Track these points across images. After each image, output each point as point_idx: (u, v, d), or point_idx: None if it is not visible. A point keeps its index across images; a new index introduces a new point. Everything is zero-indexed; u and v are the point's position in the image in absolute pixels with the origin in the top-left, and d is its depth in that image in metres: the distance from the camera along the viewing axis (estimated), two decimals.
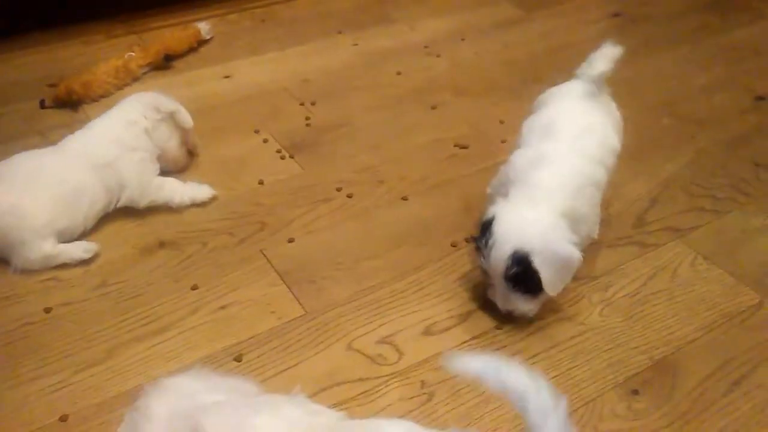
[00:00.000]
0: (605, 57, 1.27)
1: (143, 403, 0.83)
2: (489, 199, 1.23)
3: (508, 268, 1.09)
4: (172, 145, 1.44)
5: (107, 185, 1.32)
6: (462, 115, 1.72)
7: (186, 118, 1.44)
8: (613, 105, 1.33)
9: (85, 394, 1.04)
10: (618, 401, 1.05)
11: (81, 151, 1.33)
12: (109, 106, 1.66)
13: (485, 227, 1.12)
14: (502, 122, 1.68)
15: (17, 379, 1.06)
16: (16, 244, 1.22)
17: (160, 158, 1.43)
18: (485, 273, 1.15)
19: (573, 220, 1.13)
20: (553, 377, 1.08)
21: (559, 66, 1.91)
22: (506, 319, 1.17)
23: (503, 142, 1.61)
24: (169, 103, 1.43)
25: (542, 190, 1.14)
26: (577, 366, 1.10)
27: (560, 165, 1.17)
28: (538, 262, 1.07)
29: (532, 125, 1.28)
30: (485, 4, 2.25)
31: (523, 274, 1.08)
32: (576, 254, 1.09)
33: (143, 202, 1.37)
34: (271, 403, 0.81)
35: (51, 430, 0.99)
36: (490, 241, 1.10)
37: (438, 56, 1.97)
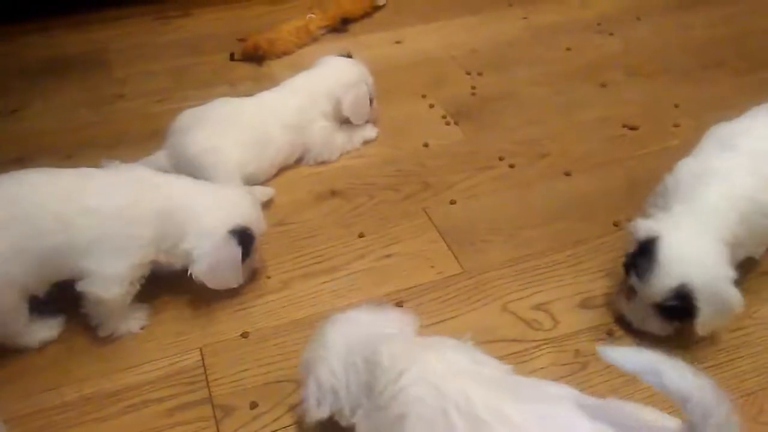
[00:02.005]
0: None
1: (322, 332, 0.91)
2: (645, 214, 1.15)
3: (666, 299, 1.02)
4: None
5: (293, 143, 1.44)
6: (634, 96, 1.68)
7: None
8: None
9: (263, 317, 1.16)
10: None
11: (275, 108, 1.43)
12: (290, 63, 1.79)
13: (646, 247, 1.04)
14: (677, 106, 1.63)
15: (208, 296, 1.18)
16: (210, 181, 1.35)
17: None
18: (631, 290, 1.08)
19: (733, 246, 1.05)
20: (713, 365, 1.06)
21: (745, 53, 1.82)
22: None
23: (676, 126, 1.56)
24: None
25: (709, 211, 1.05)
26: (740, 357, 1.07)
27: (731, 184, 1.07)
28: (701, 301, 1.00)
29: (716, 134, 1.18)
30: None
31: (680, 308, 1.02)
32: (739, 299, 1.01)
33: (333, 158, 1.49)
34: (441, 344, 0.86)
35: (235, 342, 1.11)
36: (652, 266, 1.02)
37: (611, 34, 1.93)
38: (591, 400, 0.77)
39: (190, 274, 1.11)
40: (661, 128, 1.56)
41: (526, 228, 1.33)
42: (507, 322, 1.14)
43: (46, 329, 1.11)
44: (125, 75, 1.77)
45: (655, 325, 1.08)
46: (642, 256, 1.04)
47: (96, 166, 1.38)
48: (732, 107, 1.62)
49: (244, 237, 1.12)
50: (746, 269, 1.18)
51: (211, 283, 1.12)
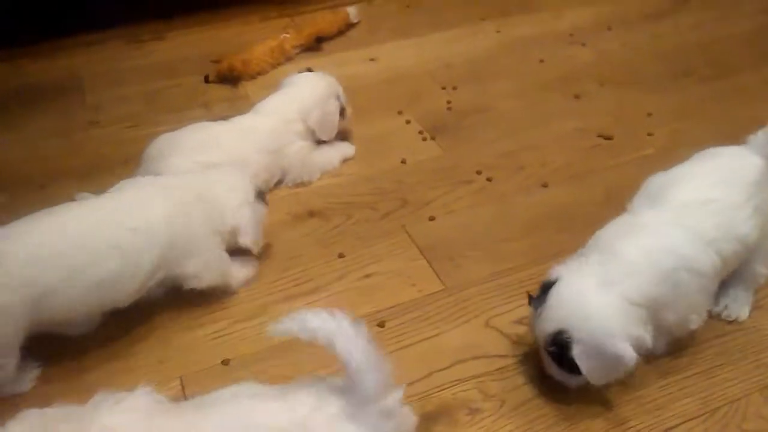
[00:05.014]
0: None
1: None
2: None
3: (547, 344, 0.99)
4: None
5: (270, 167, 1.43)
6: (607, 106, 1.69)
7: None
8: None
9: (243, 343, 1.14)
10: (764, 403, 1.02)
11: (250, 133, 1.42)
12: (266, 84, 1.78)
13: (544, 288, 1.01)
14: (649, 115, 1.65)
15: (187, 323, 1.17)
16: None
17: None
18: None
19: (655, 308, 0.98)
20: (695, 373, 1.07)
21: (712, 60, 1.85)
22: None
23: (650, 134, 1.58)
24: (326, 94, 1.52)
25: (622, 267, 0.98)
26: (722, 365, 1.08)
27: (653, 238, 1.00)
28: (577, 353, 0.94)
29: (649, 186, 1.12)
30: None
31: (560, 356, 0.97)
32: (628, 355, 0.93)
33: (313, 179, 1.48)
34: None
35: (215, 371, 1.10)
36: (540, 308, 0.99)
37: (583, 45, 1.95)
38: None
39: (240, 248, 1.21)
40: (636, 137, 1.58)
41: (506, 241, 1.33)
42: (490, 338, 1.14)
43: (19, 382, 1.07)
44: (98, 101, 1.75)
45: (555, 371, 1.02)
46: (539, 297, 1.02)
47: (70, 195, 1.38)
48: (702, 114, 1.65)
49: (263, 196, 1.27)
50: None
51: (257, 249, 1.23)
